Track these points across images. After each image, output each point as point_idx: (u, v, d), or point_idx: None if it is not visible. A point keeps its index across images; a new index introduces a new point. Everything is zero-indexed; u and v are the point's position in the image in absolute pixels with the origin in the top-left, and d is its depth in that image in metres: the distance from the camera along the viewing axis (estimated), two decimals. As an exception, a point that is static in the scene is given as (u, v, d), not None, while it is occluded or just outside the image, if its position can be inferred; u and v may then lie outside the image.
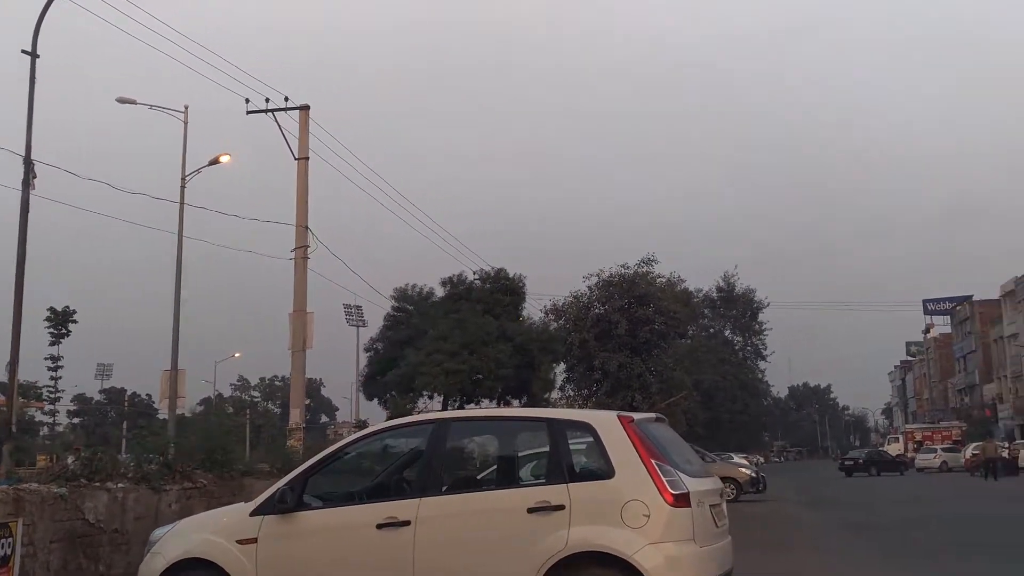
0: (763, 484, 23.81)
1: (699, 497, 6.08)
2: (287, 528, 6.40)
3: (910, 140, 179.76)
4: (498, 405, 28.92)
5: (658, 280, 41.04)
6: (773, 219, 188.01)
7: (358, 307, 61.16)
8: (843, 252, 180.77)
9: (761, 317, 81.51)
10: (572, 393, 42.28)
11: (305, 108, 23.00)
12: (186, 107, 28.33)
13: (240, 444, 20.42)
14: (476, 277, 33.27)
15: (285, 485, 6.52)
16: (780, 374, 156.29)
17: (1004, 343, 72.55)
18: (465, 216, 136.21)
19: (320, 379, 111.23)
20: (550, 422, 6.44)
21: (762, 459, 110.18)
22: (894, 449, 65.36)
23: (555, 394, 42.15)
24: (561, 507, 5.91)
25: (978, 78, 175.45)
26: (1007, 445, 38.80)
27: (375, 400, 32.72)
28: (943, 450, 49.10)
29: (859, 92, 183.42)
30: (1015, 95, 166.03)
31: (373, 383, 31.77)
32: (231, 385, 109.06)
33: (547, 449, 6.35)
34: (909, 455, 62.31)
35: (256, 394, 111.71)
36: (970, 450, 44.32)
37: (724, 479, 23.56)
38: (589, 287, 41.11)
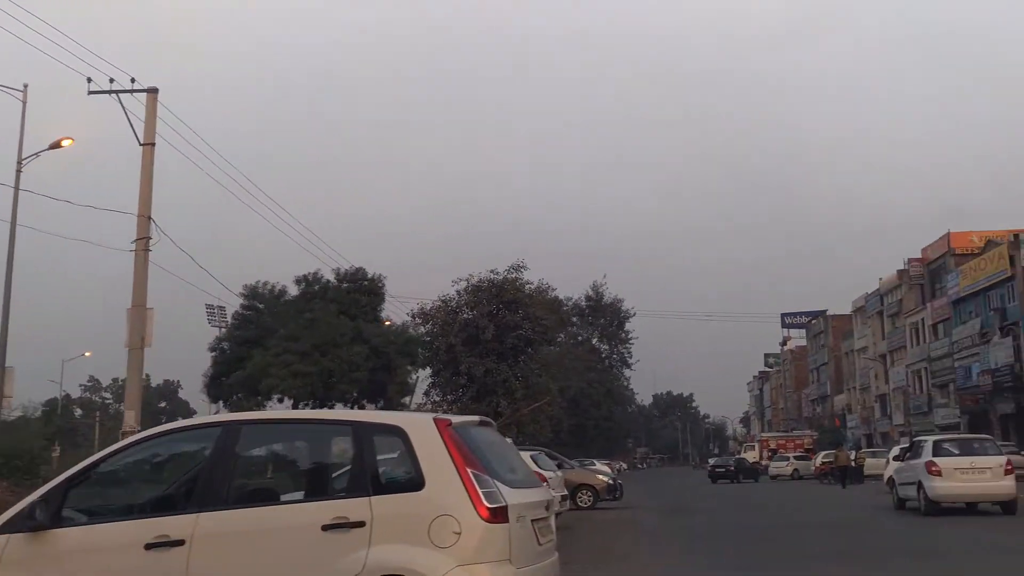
0: (620, 491, 23.64)
1: (520, 511, 5.37)
2: (38, 549, 5.33)
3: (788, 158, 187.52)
4: (351, 408, 27.85)
5: (527, 287, 40.77)
6: (642, 231, 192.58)
7: (221, 307, 58.83)
8: (710, 266, 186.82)
9: (628, 326, 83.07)
10: (437, 398, 41.51)
11: (153, 91, 21.38)
12: (25, 85, 26.45)
13: (69, 449, 18.81)
14: (333, 276, 32.11)
15: (38, 498, 5.48)
16: (645, 382, 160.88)
17: (854, 356, 76.11)
18: (332, 215, 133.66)
19: (178, 381, 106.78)
20: (356, 426, 5.63)
21: (625, 465, 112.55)
22: (750, 457, 67.45)
23: (420, 399, 41.36)
24: (361, 524, 5.12)
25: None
26: (854, 454, 40.27)
27: (220, 402, 30.99)
28: (795, 458, 50.83)
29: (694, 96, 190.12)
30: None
31: (217, 384, 30.08)
32: (81, 386, 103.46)
33: (351, 456, 5.55)
34: (764, 463, 64.43)
35: (108, 395, 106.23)
36: (820, 458, 45.91)
37: (581, 486, 23.37)
38: (458, 291, 40.50)
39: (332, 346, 26.45)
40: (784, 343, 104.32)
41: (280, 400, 27.97)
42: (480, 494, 5.17)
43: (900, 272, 63.18)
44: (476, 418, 6.24)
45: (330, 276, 31.86)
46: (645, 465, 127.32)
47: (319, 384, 26.40)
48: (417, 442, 5.38)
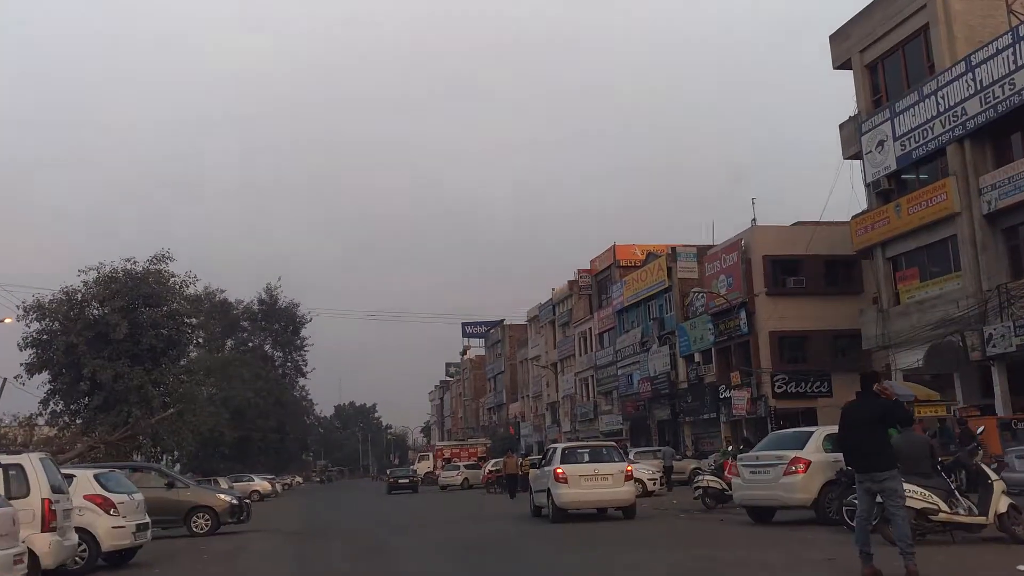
0: (247, 512, 19.93)
1: None
2: None
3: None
4: None
5: (171, 280, 35.59)
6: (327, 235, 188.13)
7: None
8: (397, 278, 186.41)
9: (304, 332, 78.54)
10: (58, 408, 35.10)
11: None
12: None
13: None
14: None
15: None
16: (329, 393, 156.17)
17: (528, 365, 77.50)
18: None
19: None
20: None
21: (300, 480, 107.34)
22: (424, 467, 65.90)
23: (35, 408, 34.81)
24: None
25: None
26: (521, 461, 39.25)
27: None
28: (465, 467, 49.57)
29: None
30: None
31: None
32: None
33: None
34: (437, 472, 63.12)
35: None
36: (489, 465, 44.92)
37: (199, 507, 19.36)
38: (85, 283, 34.50)
39: None
40: (464, 352, 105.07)
41: None
42: None
43: (571, 283, 64.83)
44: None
45: None
46: (323, 479, 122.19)
47: None
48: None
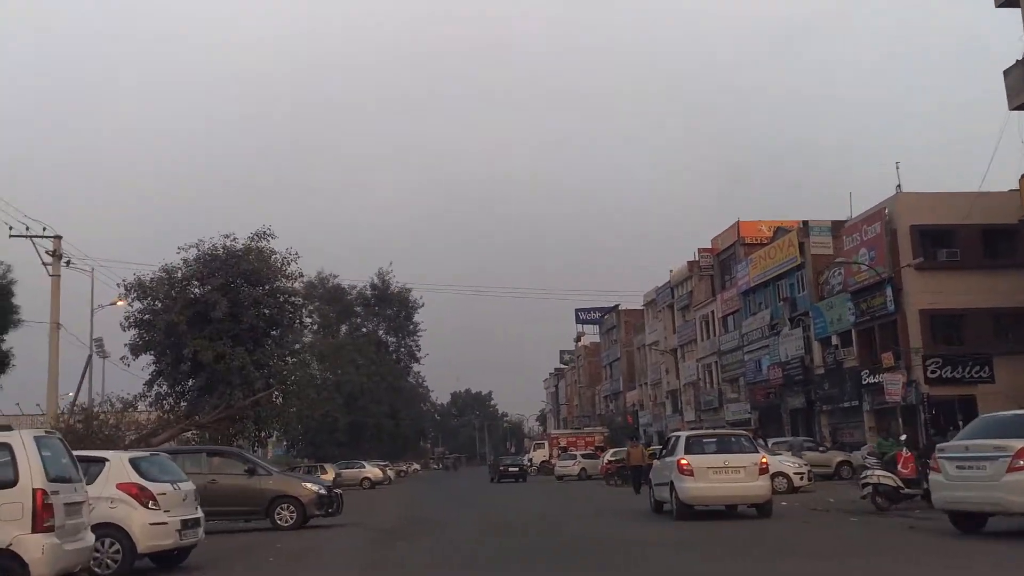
0: (337, 504, 17.82)
1: None
2: None
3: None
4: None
5: (272, 257, 34.15)
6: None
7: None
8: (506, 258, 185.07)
9: (416, 318, 77.25)
10: (164, 389, 34.11)
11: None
12: None
13: None
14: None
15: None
16: (446, 380, 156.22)
17: (646, 351, 74.17)
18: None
19: None
20: None
21: (418, 467, 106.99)
22: (540, 455, 63.65)
23: (140, 390, 33.99)
24: None
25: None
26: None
27: None
28: (583, 456, 46.86)
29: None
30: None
31: None
32: None
33: None
34: (553, 461, 60.74)
35: None
36: (608, 456, 42.19)
37: (283, 498, 17.41)
38: (185, 260, 33.39)
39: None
40: (578, 339, 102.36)
41: None
42: None
43: (690, 263, 61.19)
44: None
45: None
46: (440, 466, 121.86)
47: None
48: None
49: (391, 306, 76.75)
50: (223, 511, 16.51)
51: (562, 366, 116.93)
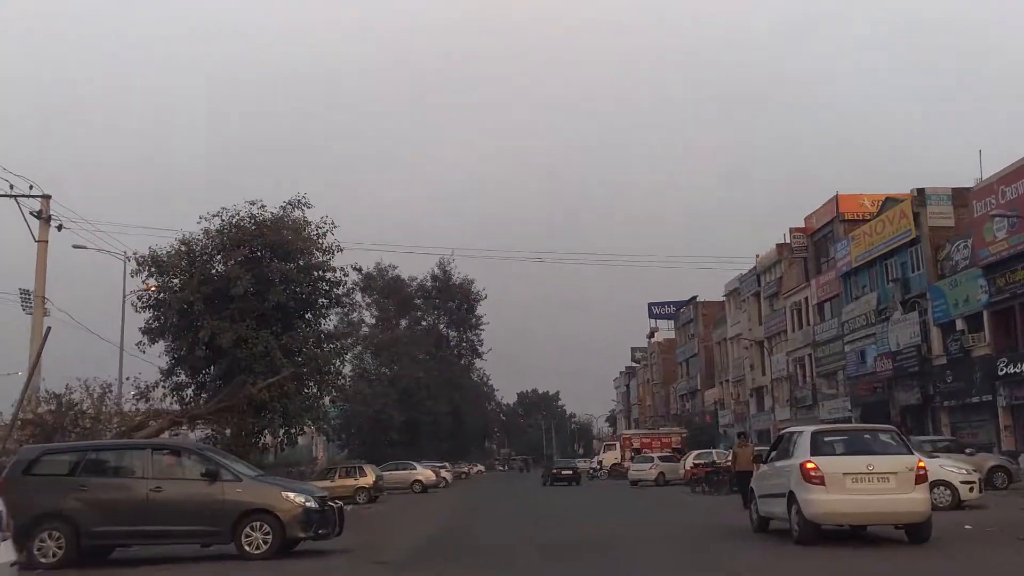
0: (335, 522, 12.82)
1: None
2: None
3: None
4: None
5: (306, 230, 29.52)
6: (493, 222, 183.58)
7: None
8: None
9: (479, 311, 72.40)
10: (184, 378, 29.72)
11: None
12: None
13: None
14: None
15: None
16: (512, 380, 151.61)
17: (727, 345, 68.25)
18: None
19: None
20: None
21: (482, 468, 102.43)
22: (610, 457, 58.43)
23: (156, 377, 29.82)
24: None
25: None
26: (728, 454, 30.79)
27: None
28: (660, 459, 41.55)
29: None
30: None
31: None
32: None
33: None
34: (625, 464, 55.51)
35: None
36: (691, 459, 36.86)
37: (254, 513, 12.46)
38: (206, 231, 28.89)
39: None
40: (651, 335, 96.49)
41: None
42: None
43: (780, 246, 55.27)
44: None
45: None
46: (506, 467, 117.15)
47: None
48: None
49: (453, 298, 72.11)
50: (170, 531, 11.94)
51: (633, 364, 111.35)
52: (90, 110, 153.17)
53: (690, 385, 79.31)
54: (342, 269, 29.95)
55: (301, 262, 29.45)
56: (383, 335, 62.46)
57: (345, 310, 30.05)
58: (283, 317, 29.14)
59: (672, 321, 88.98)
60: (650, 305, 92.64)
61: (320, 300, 30.57)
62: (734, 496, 26.95)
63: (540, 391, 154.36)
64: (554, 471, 46.72)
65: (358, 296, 67.70)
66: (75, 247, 33.34)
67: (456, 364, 70.97)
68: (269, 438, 29.87)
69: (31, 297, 36.38)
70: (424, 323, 72.18)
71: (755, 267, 59.70)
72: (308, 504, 12.17)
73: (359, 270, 29.75)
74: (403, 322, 70.93)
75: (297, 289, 29.48)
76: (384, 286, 69.17)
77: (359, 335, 62.34)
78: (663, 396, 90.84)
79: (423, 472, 40.91)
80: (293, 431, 29.96)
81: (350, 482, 30.61)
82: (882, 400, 41.88)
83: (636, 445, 56.23)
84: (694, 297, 77.55)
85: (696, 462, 33.38)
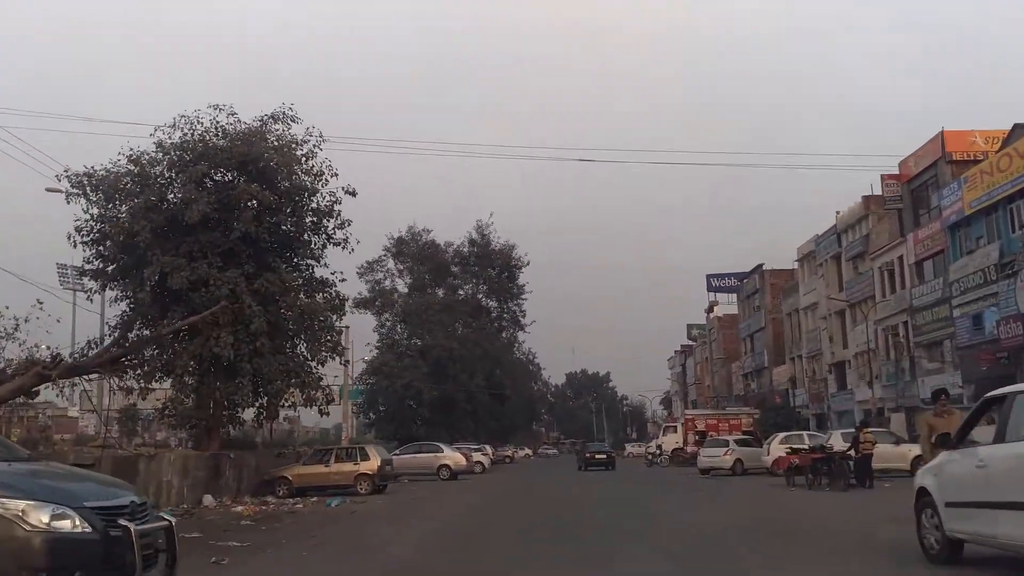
0: (140, 562, 6.01)
1: None
2: None
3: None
4: None
5: (289, 146, 23.13)
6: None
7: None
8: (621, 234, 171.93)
9: (520, 279, 65.37)
10: (143, 332, 23.50)
11: None
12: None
13: None
14: None
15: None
16: (559, 362, 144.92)
17: (800, 316, 60.66)
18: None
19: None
20: None
21: (529, 451, 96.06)
22: (671, 441, 51.48)
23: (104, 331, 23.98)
24: None
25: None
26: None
27: None
28: (737, 443, 34.57)
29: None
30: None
31: None
32: None
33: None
34: (688, 448, 48.58)
35: None
36: (777, 443, 29.91)
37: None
38: (159, 143, 22.60)
39: None
40: (710, 309, 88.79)
41: None
42: None
43: (867, 199, 47.65)
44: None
45: None
46: (556, 451, 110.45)
47: None
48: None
49: (492, 265, 65.23)
50: None
51: (690, 342, 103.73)
52: (88, 108, 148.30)
53: (755, 362, 71.77)
54: (332, 194, 23.53)
55: (282, 186, 23.11)
56: (414, 302, 56.16)
57: (340, 247, 23.59)
58: (256, 255, 22.86)
59: (734, 295, 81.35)
60: (709, 277, 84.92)
61: (309, 237, 24.20)
62: (855, 493, 20.16)
63: (590, 372, 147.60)
64: (587, 455, 46.99)
65: (390, 263, 61.90)
66: (48, 191, 26.88)
67: (496, 337, 64.30)
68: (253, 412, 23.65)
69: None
70: (461, 293, 65.59)
71: (835, 225, 52.10)
72: (55, 527, 5.51)
73: (353, 193, 23.28)
74: (439, 292, 64.33)
75: (273, 220, 23.16)
76: (417, 252, 62.70)
77: (390, 300, 56.25)
78: (723, 375, 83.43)
79: (451, 456, 34.32)
80: (275, 401, 23.67)
81: (348, 467, 24.30)
82: (1006, 374, 34.12)
83: (700, 427, 49.27)
84: (760, 265, 69.95)
85: (792, 447, 26.34)
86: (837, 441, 26.25)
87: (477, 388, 53.40)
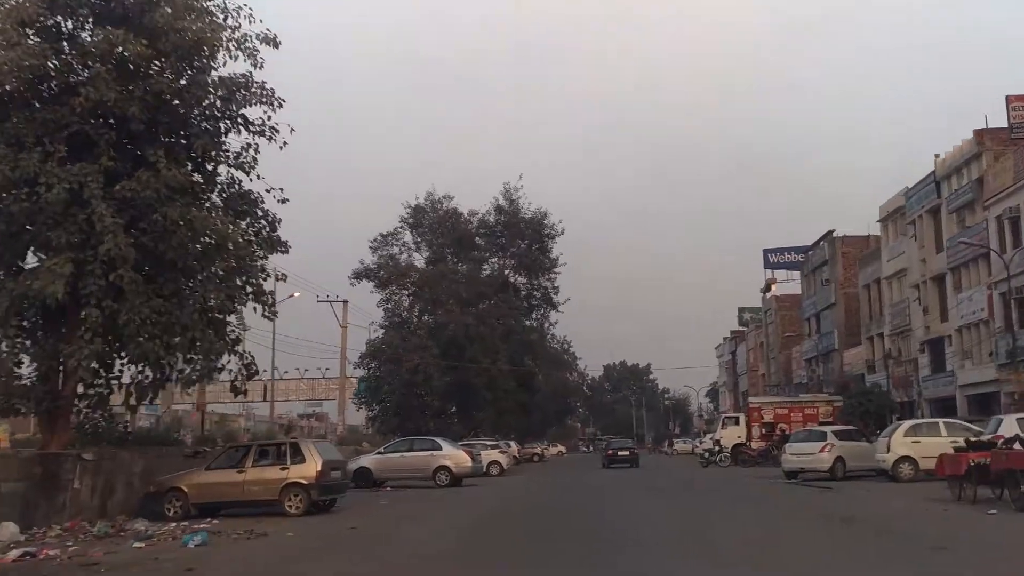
0: None
1: None
2: None
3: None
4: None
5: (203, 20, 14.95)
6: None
7: None
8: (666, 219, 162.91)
9: (554, 252, 56.45)
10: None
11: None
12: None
13: None
14: None
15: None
16: (598, 353, 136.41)
17: (881, 288, 51.55)
18: None
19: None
20: None
21: (563, 448, 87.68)
22: (732, 435, 42.92)
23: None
24: None
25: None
26: None
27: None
28: (837, 436, 25.90)
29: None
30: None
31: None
32: None
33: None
34: (755, 445, 40.14)
35: None
36: (902, 435, 21.30)
37: None
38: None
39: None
40: (767, 289, 79.38)
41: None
42: None
43: (980, 132, 38.63)
44: None
45: None
46: (591, 448, 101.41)
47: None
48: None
49: (522, 236, 56.30)
50: None
51: (741, 328, 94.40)
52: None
53: (822, 345, 62.57)
54: (245, 47, 15.35)
55: (168, 40, 14.83)
56: (429, 273, 48.01)
57: (260, 135, 15.39)
58: (128, 142, 14.62)
59: (796, 272, 71.98)
60: (766, 252, 75.64)
61: (216, 124, 15.94)
62: None
63: (628, 364, 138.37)
64: (610, 452, 47.12)
65: (407, 236, 53.64)
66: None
67: (525, 315, 55.79)
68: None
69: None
70: (486, 267, 57.13)
71: (934, 172, 43.06)
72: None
73: (275, 44, 15.12)
74: (461, 268, 55.79)
75: (170, 99, 14.95)
76: (436, 222, 54.26)
77: (399, 272, 48.11)
78: (782, 362, 74.28)
79: (452, 455, 25.48)
80: (165, 362, 15.45)
81: (271, 474, 15.92)
82: None
83: (768, 418, 40.80)
84: (829, 232, 60.76)
85: (969, 440, 17.44)
86: (1008, 430, 17.72)
87: (500, 373, 44.90)
